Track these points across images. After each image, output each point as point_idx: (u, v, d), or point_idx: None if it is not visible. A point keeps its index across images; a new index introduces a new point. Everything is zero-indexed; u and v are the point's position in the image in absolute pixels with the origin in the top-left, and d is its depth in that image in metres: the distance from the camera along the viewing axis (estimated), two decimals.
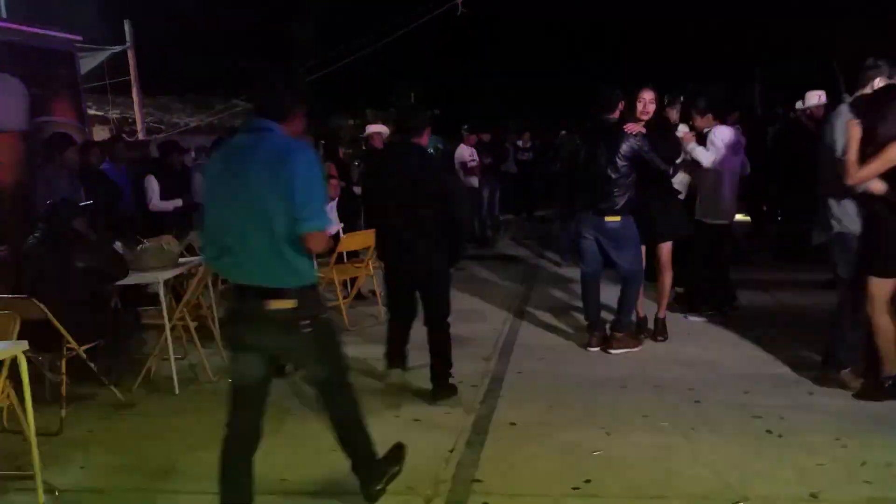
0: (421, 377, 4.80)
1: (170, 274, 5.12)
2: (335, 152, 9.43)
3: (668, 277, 5.58)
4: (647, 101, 5.22)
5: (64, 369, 4.50)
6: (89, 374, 4.76)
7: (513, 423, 4.12)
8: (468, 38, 21.63)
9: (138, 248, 5.33)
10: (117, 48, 12.66)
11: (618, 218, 5.17)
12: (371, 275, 7.00)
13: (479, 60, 25.03)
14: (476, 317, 6.60)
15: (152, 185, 6.76)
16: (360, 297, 7.36)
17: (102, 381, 4.77)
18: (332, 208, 8.25)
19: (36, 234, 5.16)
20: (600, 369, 5.02)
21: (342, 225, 7.66)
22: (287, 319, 2.79)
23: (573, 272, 8.12)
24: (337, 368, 3.05)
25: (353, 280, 7.12)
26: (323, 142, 20.82)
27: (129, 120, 14.13)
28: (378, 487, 3.16)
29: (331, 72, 16.46)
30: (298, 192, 2.69)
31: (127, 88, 13.70)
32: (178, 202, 6.91)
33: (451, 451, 3.83)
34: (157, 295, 6.88)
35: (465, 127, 11.63)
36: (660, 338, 5.57)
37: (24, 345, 3.35)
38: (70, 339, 4.44)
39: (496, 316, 6.66)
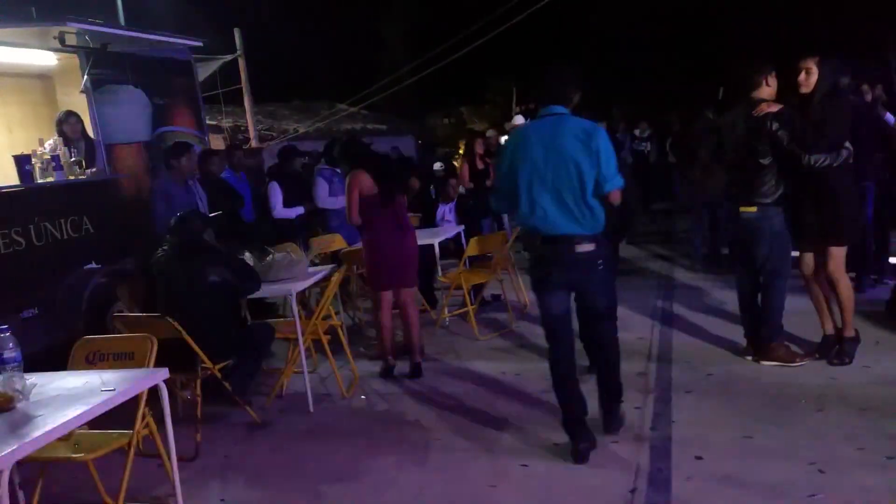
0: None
1: (303, 285, 4.83)
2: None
3: (844, 287, 4.63)
4: (805, 73, 4.48)
5: (199, 390, 4.26)
6: (222, 393, 4.53)
7: (699, 457, 3.54)
8: (562, 25, 20.85)
9: (267, 258, 5.07)
10: (228, 57, 12.78)
11: (753, 208, 4.55)
12: (500, 279, 6.55)
13: (573, 48, 24.30)
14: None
15: (275, 191, 6.52)
16: (482, 301, 6.92)
17: (236, 399, 4.51)
18: (450, 209, 7.87)
19: (164, 247, 4.98)
20: (784, 387, 4.34)
21: (463, 227, 7.26)
22: (588, 259, 3.55)
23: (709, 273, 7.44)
24: (614, 299, 3.84)
25: (478, 287, 6.69)
26: (420, 141, 20.49)
27: (242, 128, 14.29)
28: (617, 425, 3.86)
29: (424, 72, 16.32)
30: (604, 159, 3.46)
31: (237, 97, 13.85)
32: (300, 209, 6.65)
33: (633, 491, 3.30)
34: (274, 305, 6.71)
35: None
36: (836, 361, 4.63)
37: (165, 373, 3.07)
38: (205, 358, 4.19)
39: (639, 323, 6.02)
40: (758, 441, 3.66)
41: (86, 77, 6.19)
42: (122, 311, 5.80)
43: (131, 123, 6.80)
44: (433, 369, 5.35)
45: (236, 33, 13.09)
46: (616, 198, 3.56)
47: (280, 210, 6.50)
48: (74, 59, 6.19)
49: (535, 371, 5.05)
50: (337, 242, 6.95)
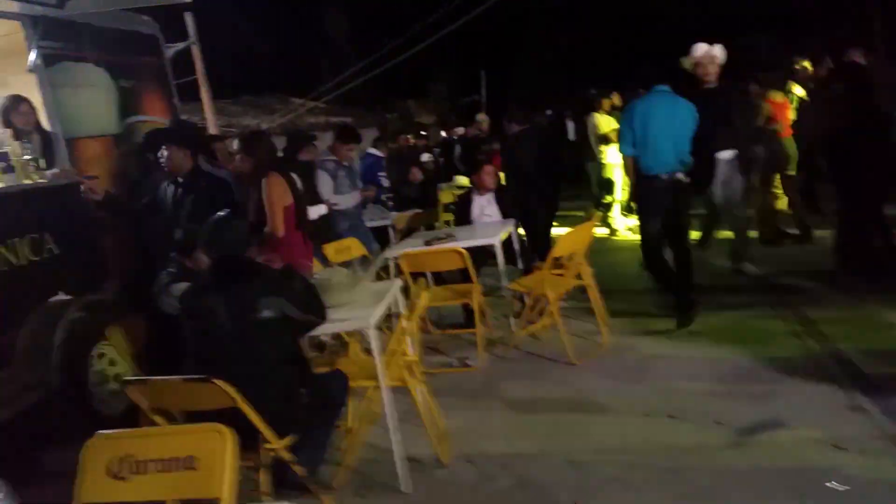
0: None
1: (379, 311, 3.46)
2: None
3: None
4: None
5: (265, 484, 2.85)
6: (282, 476, 3.13)
7: None
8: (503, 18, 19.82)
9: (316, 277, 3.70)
10: (181, 45, 11.14)
11: None
12: (587, 283, 5.16)
13: (518, 38, 23.64)
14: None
15: (325, 181, 5.10)
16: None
17: (305, 485, 3.12)
18: (489, 201, 6.55)
19: (171, 269, 3.59)
20: None
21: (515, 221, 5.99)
22: (681, 184, 5.12)
23: None
24: (687, 217, 5.33)
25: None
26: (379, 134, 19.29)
27: (198, 124, 12.65)
28: (691, 315, 5.03)
29: (370, 69, 15.37)
30: (695, 124, 5.16)
31: (189, 90, 12.24)
32: (322, 208, 5.23)
33: None
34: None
35: (594, 91, 9.38)
36: None
37: None
38: (270, 435, 2.80)
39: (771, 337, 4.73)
40: None
41: (34, 52, 4.67)
42: (103, 355, 4.35)
43: (96, 111, 5.29)
44: (548, 410, 4.10)
45: (188, 18, 11.41)
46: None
47: (311, 209, 5.01)
48: (16, 29, 4.68)
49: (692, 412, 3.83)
50: (355, 248, 5.62)
